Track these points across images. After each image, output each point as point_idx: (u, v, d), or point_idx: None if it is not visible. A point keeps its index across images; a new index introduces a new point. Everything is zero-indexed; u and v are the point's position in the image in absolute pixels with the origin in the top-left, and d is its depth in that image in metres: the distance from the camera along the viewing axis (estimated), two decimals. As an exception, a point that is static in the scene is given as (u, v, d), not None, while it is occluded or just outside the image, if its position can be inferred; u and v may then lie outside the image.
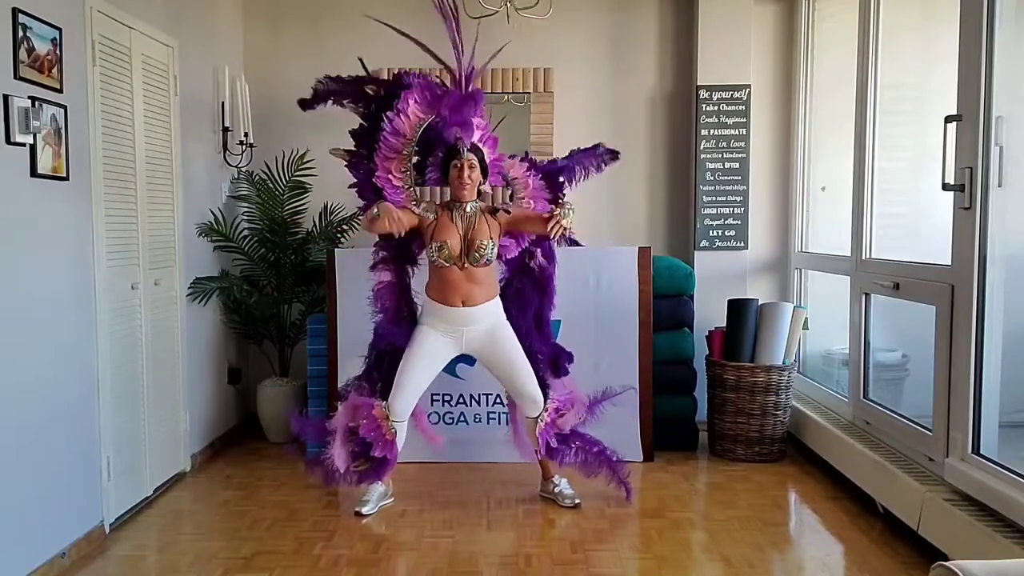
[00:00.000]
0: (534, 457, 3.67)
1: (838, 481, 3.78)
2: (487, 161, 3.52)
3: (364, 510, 3.44)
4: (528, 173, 3.67)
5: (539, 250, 3.68)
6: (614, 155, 3.80)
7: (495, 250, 3.45)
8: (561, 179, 3.69)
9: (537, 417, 3.53)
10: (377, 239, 3.59)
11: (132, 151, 3.45)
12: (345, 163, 3.61)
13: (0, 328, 2.63)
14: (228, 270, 4.55)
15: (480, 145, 3.50)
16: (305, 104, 3.61)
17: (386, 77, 3.92)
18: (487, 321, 3.49)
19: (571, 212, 3.29)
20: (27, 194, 2.76)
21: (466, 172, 3.41)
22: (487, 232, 3.42)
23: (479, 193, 3.51)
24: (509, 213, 3.47)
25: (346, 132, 3.64)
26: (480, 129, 3.54)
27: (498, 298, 3.56)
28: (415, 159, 3.58)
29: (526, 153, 3.81)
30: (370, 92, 3.59)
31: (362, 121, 3.61)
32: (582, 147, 3.78)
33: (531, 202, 3.64)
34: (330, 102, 3.58)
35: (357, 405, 3.48)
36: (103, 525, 3.21)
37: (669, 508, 3.55)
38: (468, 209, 3.45)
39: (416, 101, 3.48)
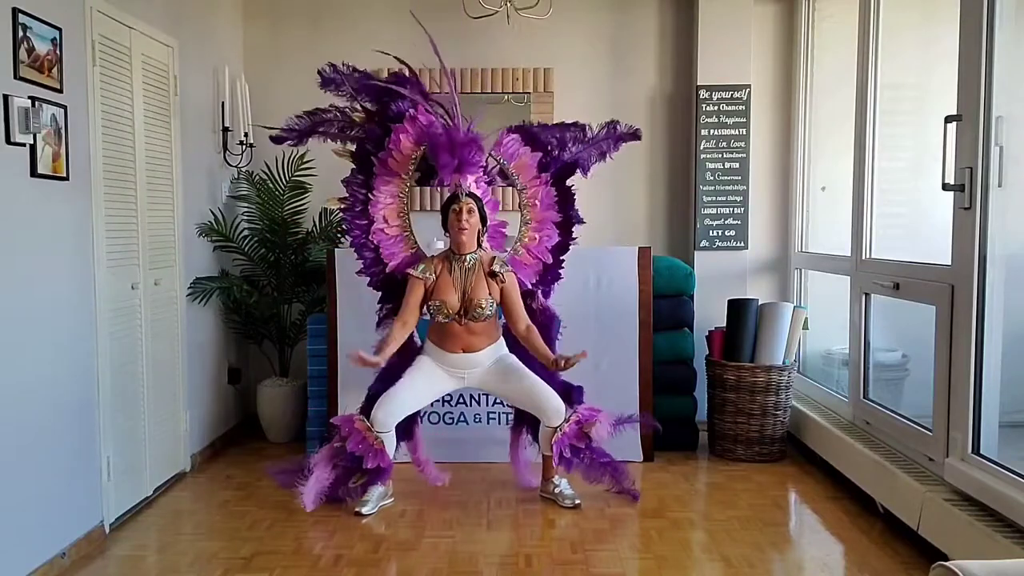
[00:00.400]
0: (535, 483, 3.69)
1: (838, 481, 3.78)
2: (486, 211, 3.50)
3: (364, 510, 3.43)
4: (538, 180, 3.63)
5: (540, 292, 3.67)
6: (635, 135, 3.74)
7: (494, 307, 3.45)
8: (573, 191, 3.67)
9: (557, 427, 3.50)
10: (380, 296, 3.63)
11: (132, 151, 3.45)
12: (340, 212, 3.62)
13: (0, 328, 2.63)
14: (228, 270, 4.55)
15: (478, 195, 3.48)
16: (278, 140, 3.60)
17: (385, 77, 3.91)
18: (489, 361, 3.50)
19: (574, 363, 3.32)
20: (27, 194, 2.76)
21: (464, 216, 3.38)
22: (485, 290, 3.41)
23: (478, 244, 3.49)
24: (504, 283, 3.44)
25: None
26: (479, 188, 3.52)
27: (501, 340, 3.57)
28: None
29: (544, 125, 3.72)
30: (357, 120, 3.57)
31: (353, 165, 3.58)
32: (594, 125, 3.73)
33: (537, 232, 3.62)
34: (310, 139, 3.58)
35: (336, 425, 3.47)
36: (103, 525, 3.21)
37: (669, 508, 3.55)
38: (467, 262, 3.43)
39: (408, 133, 3.45)
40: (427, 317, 3.53)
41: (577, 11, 4.80)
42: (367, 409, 3.48)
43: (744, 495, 3.71)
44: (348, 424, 3.43)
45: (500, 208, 3.98)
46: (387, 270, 3.55)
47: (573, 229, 3.72)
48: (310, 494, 3.40)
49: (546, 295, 3.70)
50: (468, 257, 3.44)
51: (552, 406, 3.49)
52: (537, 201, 3.63)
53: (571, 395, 3.61)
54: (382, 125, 3.53)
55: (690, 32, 4.80)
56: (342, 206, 3.60)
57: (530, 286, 3.63)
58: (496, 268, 3.44)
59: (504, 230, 3.74)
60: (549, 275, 3.69)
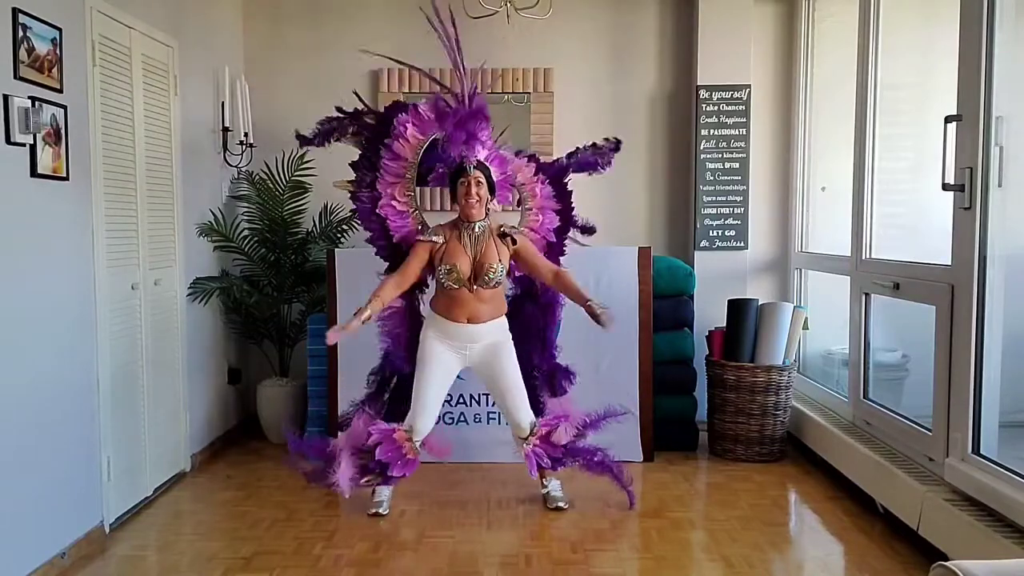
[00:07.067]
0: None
1: (838, 481, 3.78)
2: (494, 179, 3.48)
3: (381, 510, 3.44)
4: (536, 179, 3.65)
5: None
6: (616, 146, 3.75)
7: (503, 273, 3.44)
8: (568, 187, 3.69)
9: (525, 439, 3.51)
10: (387, 267, 3.60)
11: (132, 151, 3.45)
12: (350, 194, 3.63)
13: (0, 328, 2.63)
14: (228, 270, 4.55)
15: (487, 163, 3.46)
16: (304, 141, 3.66)
17: (385, 89, 3.91)
18: (491, 337, 3.47)
19: (609, 320, 3.32)
20: (27, 194, 2.76)
21: (473, 189, 3.37)
22: (496, 255, 3.40)
23: (487, 212, 3.48)
24: (516, 243, 3.44)
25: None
26: (486, 148, 3.51)
27: (504, 316, 3.55)
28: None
29: (533, 155, 3.77)
30: (369, 121, 3.60)
31: (362, 151, 3.61)
32: (584, 144, 3.76)
33: (539, 215, 3.64)
34: (332, 140, 3.63)
35: (368, 429, 3.42)
36: (103, 525, 3.21)
37: (669, 508, 3.55)
38: (477, 229, 3.42)
39: (414, 124, 3.48)
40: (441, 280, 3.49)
41: (577, 11, 4.80)
42: (374, 397, 3.56)
43: (744, 495, 3.71)
44: (388, 433, 3.39)
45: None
46: (394, 240, 3.56)
47: (573, 216, 3.73)
48: (345, 480, 3.35)
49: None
50: (477, 225, 3.43)
51: (519, 417, 3.49)
52: (537, 188, 3.65)
53: (556, 378, 3.62)
54: (385, 124, 3.55)
55: (690, 32, 4.80)
56: (351, 188, 3.60)
57: None
58: (506, 229, 3.46)
59: (508, 167, 3.67)
60: (553, 252, 3.70)
